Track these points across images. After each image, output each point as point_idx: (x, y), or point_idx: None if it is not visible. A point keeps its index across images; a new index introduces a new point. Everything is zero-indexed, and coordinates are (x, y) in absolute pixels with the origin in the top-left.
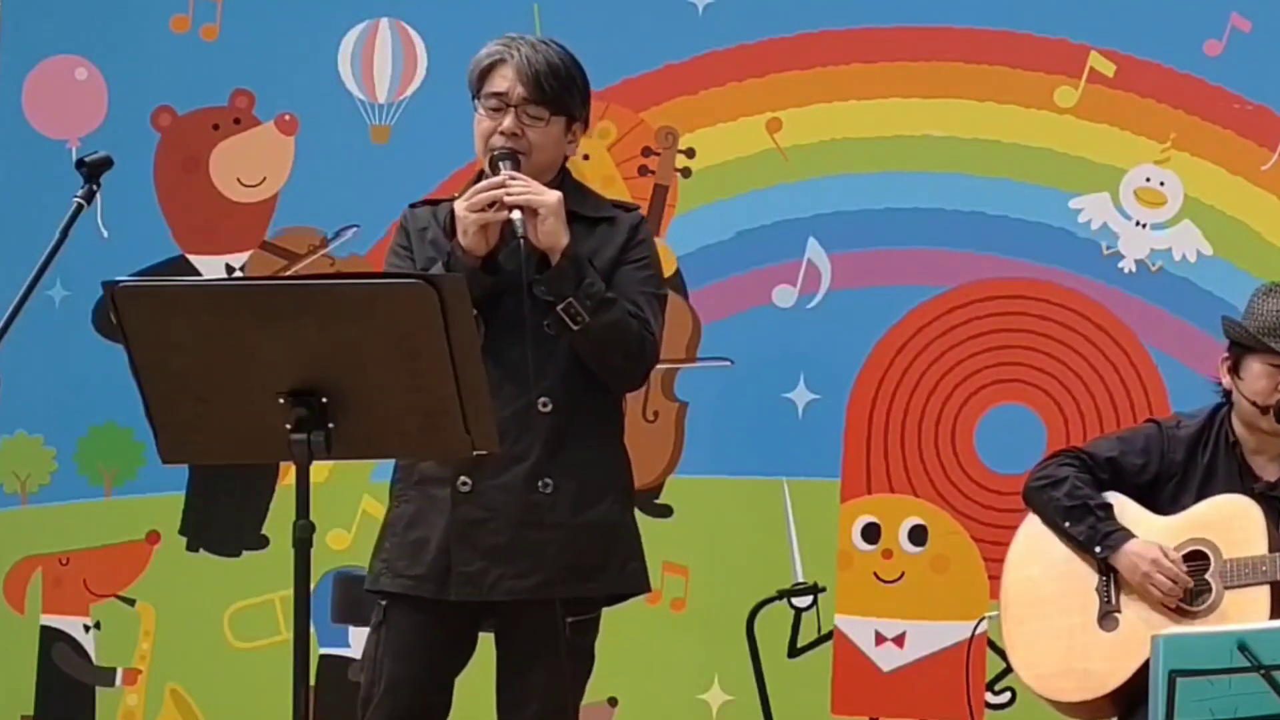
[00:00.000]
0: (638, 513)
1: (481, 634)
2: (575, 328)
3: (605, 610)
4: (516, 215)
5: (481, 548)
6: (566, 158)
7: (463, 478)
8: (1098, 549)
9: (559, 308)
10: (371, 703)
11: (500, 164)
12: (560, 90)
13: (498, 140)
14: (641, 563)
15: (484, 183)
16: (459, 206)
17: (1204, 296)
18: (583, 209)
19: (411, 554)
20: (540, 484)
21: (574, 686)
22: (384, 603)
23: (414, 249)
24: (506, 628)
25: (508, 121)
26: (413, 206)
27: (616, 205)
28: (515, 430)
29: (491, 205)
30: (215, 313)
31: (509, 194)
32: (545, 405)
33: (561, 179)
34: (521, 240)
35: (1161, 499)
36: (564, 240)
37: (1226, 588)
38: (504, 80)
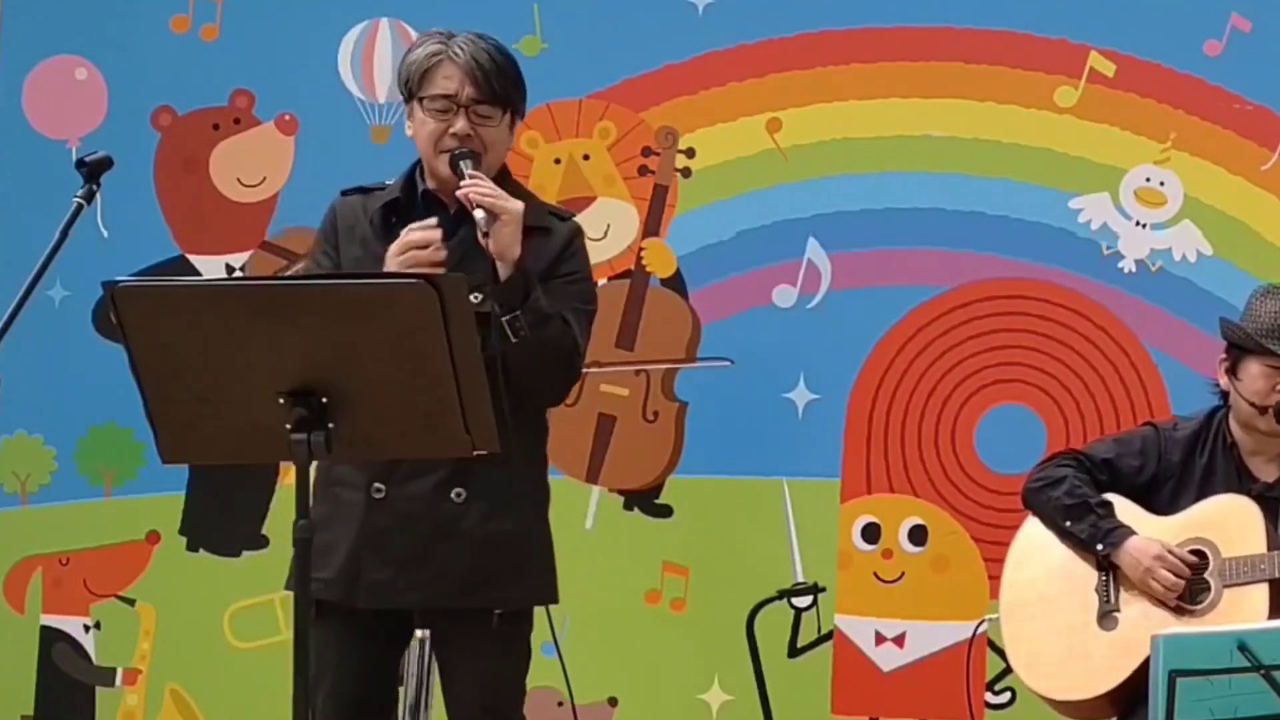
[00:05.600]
0: (638, 512)
1: None
2: (514, 340)
3: (604, 610)
4: (480, 214)
5: (392, 556)
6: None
7: (376, 484)
8: (1100, 546)
9: (504, 319)
10: (319, 694)
11: (461, 164)
12: (506, 86)
13: (449, 142)
14: (552, 575)
15: (419, 232)
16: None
17: (1204, 296)
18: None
19: (319, 557)
20: (454, 493)
21: (511, 676)
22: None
23: (341, 247)
24: (434, 626)
25: (460, 124)
26: (344, 194)
27: (552, 212)
28: None
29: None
30: (215, 313)
31: (476, 192)
32: None
33: (502, 178)
34: (482, 236)
35: (1159, 501)
36: (517, 251)
37: (1225, 586)
38: (449, 80)
